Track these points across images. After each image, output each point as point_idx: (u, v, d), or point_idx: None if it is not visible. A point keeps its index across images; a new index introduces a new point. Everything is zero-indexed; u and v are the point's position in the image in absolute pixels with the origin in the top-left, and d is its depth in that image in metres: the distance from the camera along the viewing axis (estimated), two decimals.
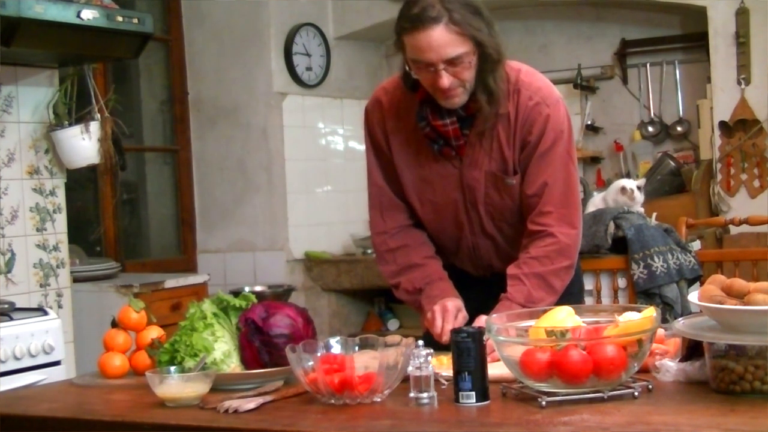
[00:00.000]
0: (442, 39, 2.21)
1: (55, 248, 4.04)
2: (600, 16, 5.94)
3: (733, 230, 4.96)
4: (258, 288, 4.39)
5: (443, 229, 2.53)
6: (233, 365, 2.12)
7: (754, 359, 1.72)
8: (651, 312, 1.85)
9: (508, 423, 1.70)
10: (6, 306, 3.45)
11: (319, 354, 1.93)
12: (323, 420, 1.78)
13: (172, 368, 2.06)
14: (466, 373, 1.80)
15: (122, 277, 4.66)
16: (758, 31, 5.15)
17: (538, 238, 2.38)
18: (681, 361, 1.89)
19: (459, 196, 2.45)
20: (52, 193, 4.05)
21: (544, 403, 1.73)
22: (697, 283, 3.94)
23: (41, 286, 3.97)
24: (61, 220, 4.07)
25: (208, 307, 2.18)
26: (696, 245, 4.58)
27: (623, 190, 4.31)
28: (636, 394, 1.76)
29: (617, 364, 1.76)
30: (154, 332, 2.34)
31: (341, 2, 5.92)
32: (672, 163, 5.52)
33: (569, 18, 6.00)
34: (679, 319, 1.92)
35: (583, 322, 1.91)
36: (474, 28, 2.23)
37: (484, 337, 1.83)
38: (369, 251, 5.45)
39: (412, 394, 1.84)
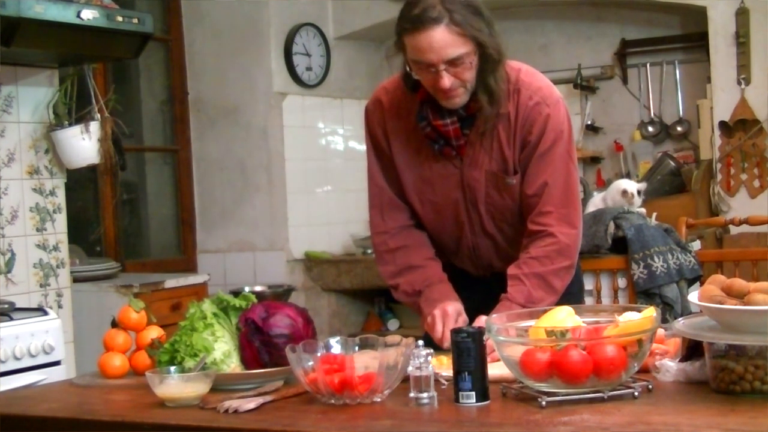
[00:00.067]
0: (443, 40, 2.21)
1: (55, 248, 4.04)
2: (600, 16, 5.94)
3: (733, 230, 4.96)
4: (258, 288, 4.40)
5: (443, 228, 2.53)
6: (233, 365, 2.12)
7: (754, 359, 1.72)
8: (651, 312, 1.85)
9: (508, 423, 1.70)
10: (6, 306, 3.45)
11: (319, 354, 1.93)
12: (323, 420, 1.78)
13: (172, 368, 2.06)
14: (466, 373, 1.80)
15: (122, 277, 4.66)
16: (758, 31, 5.15)
17: (538, 238, 2.38)
18: (681, 361, 1.89)
19: (459, 195, 2.45)
20: (52, 193, 4.05)
21: (544, 403, 1.73)
22: (697, 283, 3.94)
23: (41, 286, 3.97)
24: (61, 220, 4.07)
25: (208, 307, 2.18)
26: (696, 245, 4.58)
27: (624, 193, 4.31)
28: (636, 394, 1.76)
29: (617, 364, 1.76)
30: (154, 332, 2.34)
31: (341, 2, 5.92)
32: (672, 163, 5.52)
33: (569, 18, 6.00)
34: (679, 319, 1.92)
35: (583, 322, 1.91)
36: (475, 29, 2.23)
37: (484, 337, 1.83)
38: (369, 251, 5.45)
39: (412, 394, 1.84)
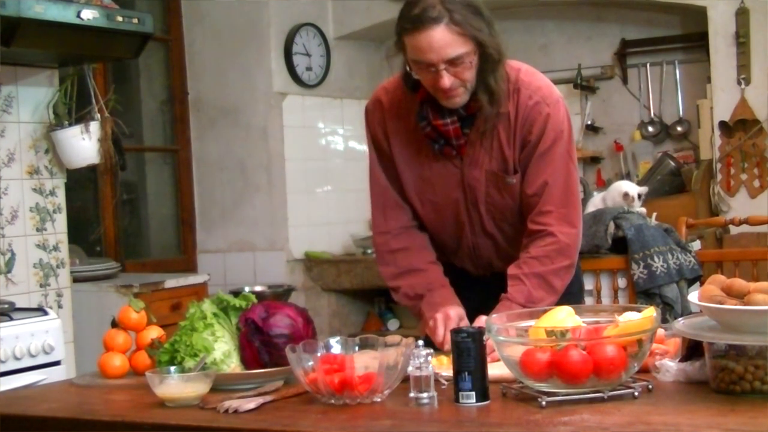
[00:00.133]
0: (443, 39, 2.21)
1: (55, 248, 4.04)
2: (600, 16, 5.94)
3: (733, 230, 4.96)
4: (258, 288, 4.40)
5: (444, 228, 2.53)
6: (233, 365, 2.12)
7: (754, 359, 1.72)
8: (651, 312, 1.85)
9: (508, 423, 1.70)
10: (6, 306, 3.45)
11: (319, 354, 1.93)
12: (323, 420, 1.78)
13: (172, 368, 2.06)
14: (466, 373, 1.80)
15: (122, 277, 4.66)
16: (758, 31, 5.15)
17: (538, 237, 2.38)
18: (681, 361, 1.89)
19: (460, 195, 2.45)
20: (52, 193, 4.05)
21: (544, 403, 1.73)
22: (697, 283, 3.94)
23: (41, 286, 3.97)
24: (61, 220, 4.07)
25: (208, 307, 2.18)
26: (696, 245, 4.58)
27: (626, 195, 4.31)
28: (636, 394, 1.76)
29: (617, 364, 1.76)
30: (154, 332, 2.34)
31: (341, 2, 5.92)
32: (672, 163, 5.52)
33: (569, 18, 6.00)
34: (679, 319, 1.92)
35: (583, 322, 1.91)
36: (475, 29, 2.23)
37: (484, 337, 1.83)
38: (369, 251, 5.45)
39: (412, 394, 1.84)
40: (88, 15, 3.63)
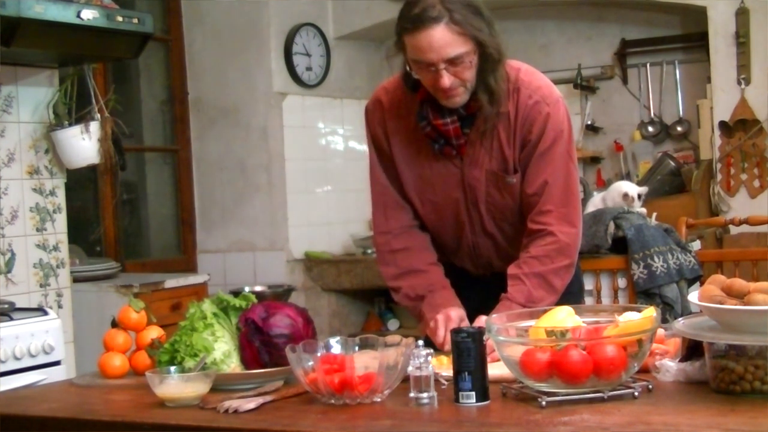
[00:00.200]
0: (442, 39, 2.21)
1: (55, 248, 4.04)
2: (600, 16, 5.94)
3: (733, 230, 4.96)
4: (258, 288, 4.39)
5: (444, 228, 2.53)
6: (233, 365, 2.12)
7: (754, 359, 1.72)
8: (651, 312, 1.85)
9: (508, 423, 1.70)
10: (6, 306, 3.45)
11: (319, 354, 1.93)
12: (323, 420, 1.78)
13: (172, 368, 2.06)
14: (466, 373, 1.80)
15: (122, 277, 4.66)
16: (758, 31, 5.15)
17: (538, 237, 2.38)
18: (681, 361, 1.89)
19: (460, 195, 2.45)
20: (52, 193, 4.05)
21: (544, 403, 1.73)
22: (697, 283, 3.94)
23: (41, 286, 3.97)
24: (61, 220, 4.07)
25: (208, 307, 2.18)
26: (696, 245, 4.58)
27: (625, 196, 4.31)
28: (636, 394, 1.76)
29: (617, 364, 1.76)
30: (154, 332, 2.34)
31: (341, 2, 5.92)
32: (672, 163, 5.52)
33: (569, 18, 6.00)
34: (679, 319, 1.92)
35: (583, 322, 1.91)
36: (475, 28, 2.23)
37: (484, 337, 1.83)
38: (369, 251, 5.45)
39: (412, 394, 1.84)
40: (88, 15, 3.63)
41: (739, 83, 5.19)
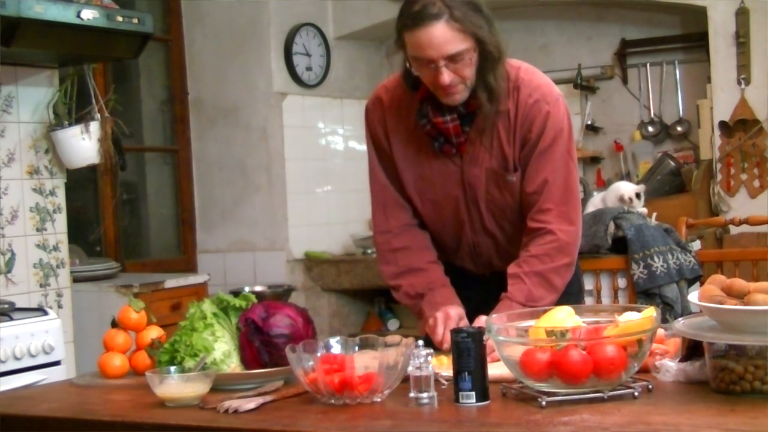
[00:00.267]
0: (443, 36, 2.21)
1: (55, 248, 4.04)
2: (600, 16, 5.94)
3: (733, 230, 4.96)
4: (258, 288, 4.39)
5: (444, 226, 2.53)
6: (233, 365, 2.12)
7: (754, 359, 1.72)
8: (651, 312, 1.84)
9: (508, 423, 1.70)
10: (6, 306, 3.45)
11: (319, 354, 1.93)
12: (323, 420, 1.78)
13: (172, 368, 2.06)
14: (466, 373, 1.80)
15: (122, 277, 4.66)
16: (758, 31, 5.15)
17: (537, 235, 2.39)
18: (681, 361, 1.89)
19: (460, 193, 2.45)
20: (52, 193, 4.05)
21: (544, 403, 1.73)
22: (697, 283, 3.94)
23: (41, 286, 3.97)
24: (61, 220, 4.07)
25: (208, 307, 2.18)
26: (696, 245, 4.58)
27: (621, 199, 4.30)
28: (636, 394, 1.76)
29: (617, 364, 1.76)
30: (154, 332, 2.34)
31: (341, 2, 5.92)
32: (672, 163, 5.52)
33: (569, 18, 6.00)
34: (679, 319, 1.92)
35: (583, 322, 1.91)
36: (475, 25, 2.24)
37: (484, 337, 1.83)
38: (369, 251, 5.45)
39: (412, 394, 1.84)
40: (88, 15, 3.63)
41: (739, 83, 5.19)
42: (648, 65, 5.81)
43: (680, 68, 5.76)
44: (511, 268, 2.39)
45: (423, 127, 2.39)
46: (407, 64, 2.33)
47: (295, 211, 5.63)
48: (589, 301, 3.72)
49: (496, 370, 1.89)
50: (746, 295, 1.77)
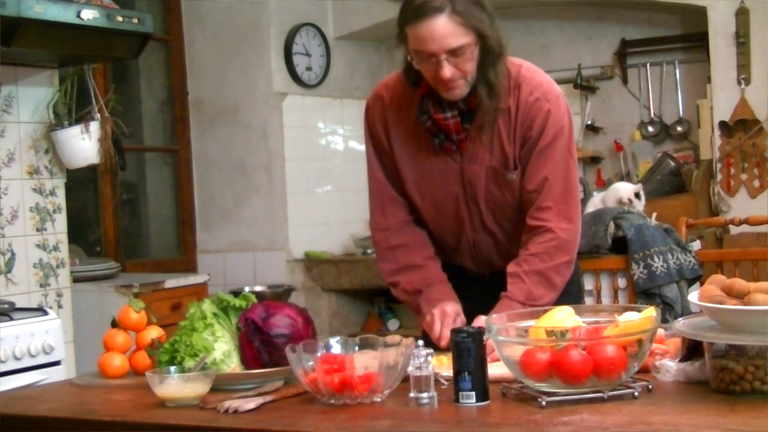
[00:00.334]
0: (444, 29, 2.21)
1: (55, 248, 4.04)
2: (600, 16, 5.94)
3: (733, 230, 4.96)
4: (258, 288, 4.39)
5: (444, 224, 2.53)
6: (233, 365, 2.12)
7: (754, 359, 1.72)
8: (651, 312, 1.84)
9: (508, 423, 1.70)
10: (6, 306, 3.45)
11: (319, 354, 1.93)
12: (323, 420, 1.78)
13: (172, 368, 2.06)
14: (466, 373, 1.80)
15: (122, 277, 4.66)
16: (758, 31, 5.15)
17: (537, 234, 2.39)
18: (681, 361, 1.89)
19: (459, 191, 2.45)
20: (52, 193, 4.05)
21: (544, 403, 1.73)
22: (697, 283, 3.94)
23: (41, 286, 3.97)
24: (61, 220, 4.07)
25: (208, 307, 2.18)
26: (696, 245, 4.58)
27: (620, 202, 4.30)
28: (636, 394, 1.76)
29: (617, 364, 1.76)
30: (154, 332, 2.34)
31: (341, 2, 5.92)
32: (672, 163, 5.52)
33: (569, 18, 6.00)
34: (679, 319, 1.92)
35: (583, 322, 1.91)
36: (477, 20, 2.24)
37: (484, 337, 1.83)
38: (369, 251, 5.45)
39: (412, 394, 1.84)
40: (88, 15, 3.63)
41: (739, 83, 5.19)
42: (648, 65, 5.81)
43: (680, 68, 5.76)
44: (511, 267, 2.39)
45: (423, 124, 2.39)
46: (408, 58, 2.33)
47: (295, 211, 5.63)
48: (589, 301, 3.72)
49: (496, 370, 1.89)
50: (746, 295, 1.77)
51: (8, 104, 3.87)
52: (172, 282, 4.55)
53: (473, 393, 1.79)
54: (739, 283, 1.82)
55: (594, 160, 5.91)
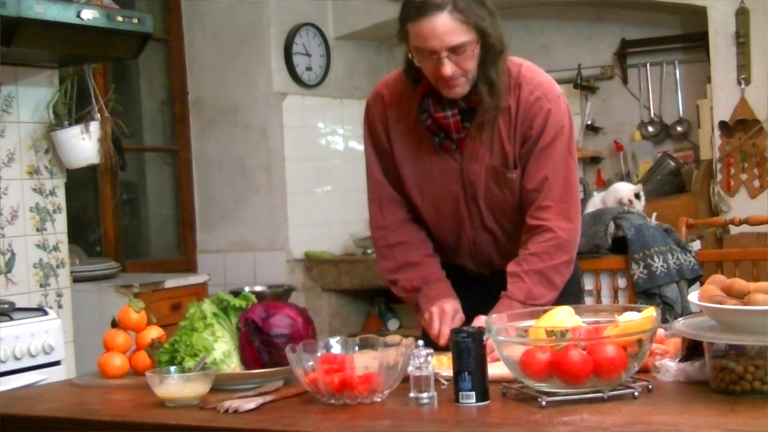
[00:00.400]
0: (445, 26, 2.22)
1: (55, 248, 4.04)
2: (600, 16, 5.94)
3: (733, 230, 4.96)
4: (258, 288, 4.38)
5: (444, 223, 2.53)
6: (233, 365, 2.12)
7: (754, 359, 1.72)
8: (651, 312, 1.84)
9: (508, 423, 1.70)
10: (6, 306, 3.44)
11: (319, 354, 1.93)
12: (323, 420, 1.78)
13: (172, 368, 2.06)
14: (466, 373, 1.80)
15: (122, 277, 4.66)
16: (758, 31, 5.15)
17: (536, 233, 2.39)
18: (681, 361, 1.89)
19: (459, 189, 2.45)
20: (52, 193, 4.05)
21: (544, 403, 1.73)
22: (697, 283, 3.94)
23: (41, 286, 3.97)
24: (61, 220, 4.07)
25: (208, 307, 2.18)
26: (696, 245, 4.58)
27: (620, 203, 4.29)
28: (636, 394, 1.76)
29: (617, 364, 1.76)
30: (154, 332, 2.34)
31: (341, 2, 5.92)
32: (672, 163, 5.52)
33: (569, 18, 6.00)
34: (679, 319, 1.92)
35: (583, 322, 1.91)
36: (478, 17, 2.24)
37: (484, 337, 1.83)
38: (369, 251, 5.45)
39: (412, 394, 1.84)
40: (88, 15, 3.63)
41: (739, 83, 5.19)
42: (648, 65, 5.81)
43: (680, 68, 5.76)
44: (511, 267, 2.39)
45: (423, 122, 2.40)
46: (409, 56, 2.33)
47: (295, 211, 5.63)
48: (589, 301, 3.72)
49: (496, 370, 1.89)
50: (746, 295, 1.77)
51: (8, 104, 3.87)
52: (172, 282, 4.55)
53: (473, 393, 1.79)
54: (739, 283, 1.82)
55: (594, 160, 5.91)
